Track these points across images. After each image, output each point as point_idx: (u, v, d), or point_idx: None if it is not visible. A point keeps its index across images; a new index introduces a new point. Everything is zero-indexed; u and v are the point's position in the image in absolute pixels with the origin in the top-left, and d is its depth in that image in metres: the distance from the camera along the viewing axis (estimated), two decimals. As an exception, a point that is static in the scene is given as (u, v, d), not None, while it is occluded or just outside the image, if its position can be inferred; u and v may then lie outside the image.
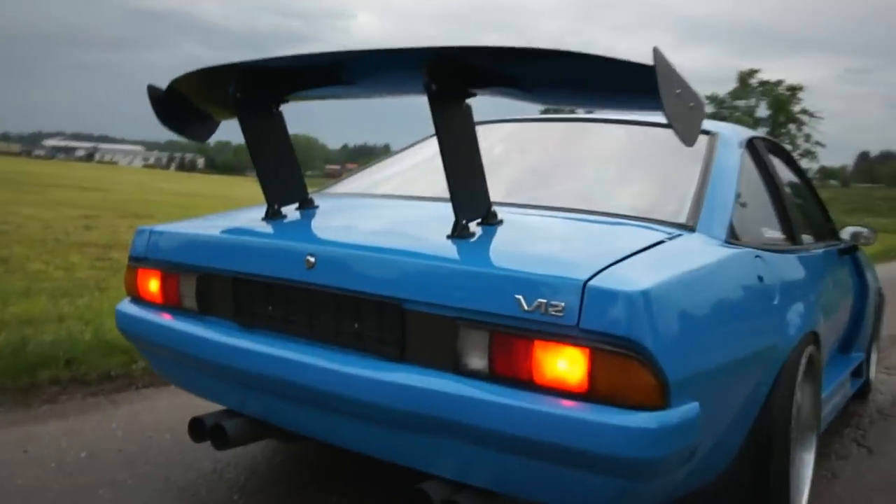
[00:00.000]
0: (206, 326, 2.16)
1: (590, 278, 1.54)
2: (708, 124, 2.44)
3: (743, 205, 2.30)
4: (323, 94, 2.30)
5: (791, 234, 2.67)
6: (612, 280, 1.56)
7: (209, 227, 2.36)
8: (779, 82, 45.54)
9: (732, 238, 2.08)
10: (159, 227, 2.37)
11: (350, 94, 2.30)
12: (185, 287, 2.24)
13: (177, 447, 2.75)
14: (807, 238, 2.96)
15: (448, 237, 1.87)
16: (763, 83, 46.04)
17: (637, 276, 1.60)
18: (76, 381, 3.62)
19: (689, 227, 2.04)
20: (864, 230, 3.46)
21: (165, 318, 2.28)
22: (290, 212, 2.34)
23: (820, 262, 2.87)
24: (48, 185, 21.13)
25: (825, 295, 2.78)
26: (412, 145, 3.15)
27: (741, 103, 46.22)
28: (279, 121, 2.28)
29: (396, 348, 1.79)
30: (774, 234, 2.59)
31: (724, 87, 48.05)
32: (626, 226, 2.06)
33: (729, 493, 2.04)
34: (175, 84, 2.20)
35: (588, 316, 1.51)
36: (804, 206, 3.40)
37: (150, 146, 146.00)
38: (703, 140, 2.37)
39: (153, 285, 2.34)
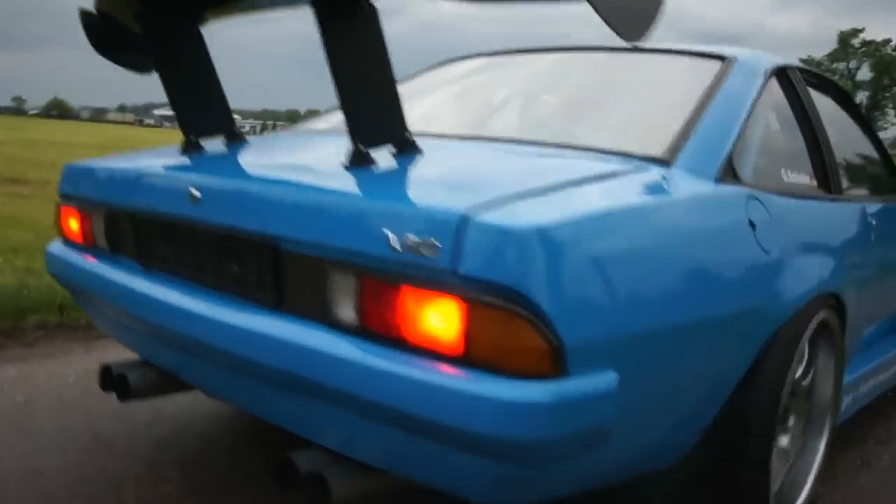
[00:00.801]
0: (114, 268, 1.94)
1: (473, 211, 1.20)
2: (727, 50, 2.05)
3: (754, 142, 1.88)
4: (229, 10, 1.97)
5: (826, 182, 2.19)
6: (501, 214, 1.20)
7: (124, 161, 2.13)
8: (885, 42, 42.31)
9: (727, 177, 1.67)
10: (80, 163, 2.15)
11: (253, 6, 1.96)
12: (97, 225, 2.02)
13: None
14: (856, 191, 2.48)
15: (344, 167, 1.55)
16: (867, 43, 42.89)
17: (537, 211, 1.24)
18: (64, 327, 3.52)
19: (662, 161, 1.63)
20: None
21: (84, 259, 2.07)
22: (215, 146, 2.07)
23: (861, 216, 2.33)
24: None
25: (865, 254, 2.27)
26: (427, 71, 2.77)
27: (840, 66, 43.26)
28: (196, 42, 1.98)
29: (273, 295, 1.49)
30: (801, 179, 2.12)
31: (824, 51, 45.01)
32: (576, 158, 1.68)
33: (690, 485, 1.67)
34: (101, 5, 1.95)
35: (467, 259, 1.17)
36: (859, 155, 2.86)
37: (244, 115, 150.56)
38: (712, 67, 1.97)
39: (73, 224, 2.13)
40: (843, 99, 2.84)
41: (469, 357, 1.19)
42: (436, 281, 1.20)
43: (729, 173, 1.68)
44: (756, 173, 1.81)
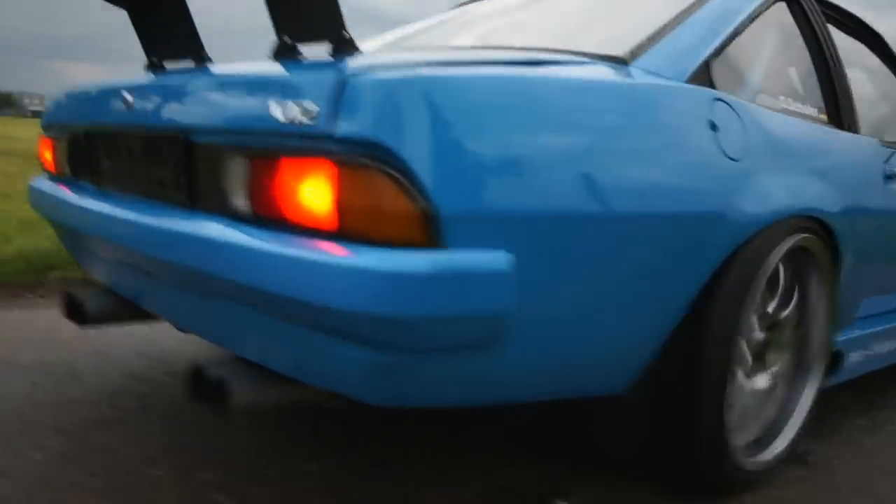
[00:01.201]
0: (74, 191, 1.94)
1: (354, 71, 1.11)
2: None
3: (743, 59, 1.73)
4: None
5: (839, 120, 2.01)
6: (381, 73, 1.10)
7: (91, 85, 2.12)
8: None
9: (699, 83, 1.52)
10: (57, 94, 2.16)
11: None
12: (61, 151, 2.03)
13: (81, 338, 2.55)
14: (879, 135, 2.22)
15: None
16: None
17: (420, 71, 1.14)
18: (86, 282, 3.59)
19: (620, 60, 1.49)
20: None
21: (56, 188, 2.08)
22: (178, 67, 2.03)
23: (875, 155, 2.07)
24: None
25: (876, 195, 2.02)
26: None
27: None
28: None
29: (187, 193, 1.44)
30: (807, 110, 1.92)
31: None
32: (515, 62, 1.55)
33: (646, 419, 1.52)
34: None
35: (341, 120, 1.07)
36: (889, 102, 2.61)
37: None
38: None
39: (47, 154, 2.15)
40: (877, 44, 2.59)
41: (344, 231, 1.10)
42: (311, 149, 1.12)
43: (703, 80, 1.53)
44: (740, 87, 1.66)
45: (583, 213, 1.22)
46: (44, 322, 2.83)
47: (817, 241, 1.71)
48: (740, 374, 1.65)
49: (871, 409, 2.40)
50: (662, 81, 1.46)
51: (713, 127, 1.43)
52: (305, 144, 1.13)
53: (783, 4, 1.94)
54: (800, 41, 2.00)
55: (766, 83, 1.81)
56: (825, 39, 2.04)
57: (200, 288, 1.40)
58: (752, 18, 1.77)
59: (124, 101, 1.61)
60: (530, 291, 1.15)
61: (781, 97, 1.84)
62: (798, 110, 1.88)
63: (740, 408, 1.66)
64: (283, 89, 1.17)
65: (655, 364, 1.45)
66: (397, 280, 1.02)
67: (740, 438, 1.66)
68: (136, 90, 1.59)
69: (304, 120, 1.11)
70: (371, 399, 1.21)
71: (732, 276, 1.46)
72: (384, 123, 1.04)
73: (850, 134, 2.03)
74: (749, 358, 1.68)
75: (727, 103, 1.51)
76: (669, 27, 1.61)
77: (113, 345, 2.55)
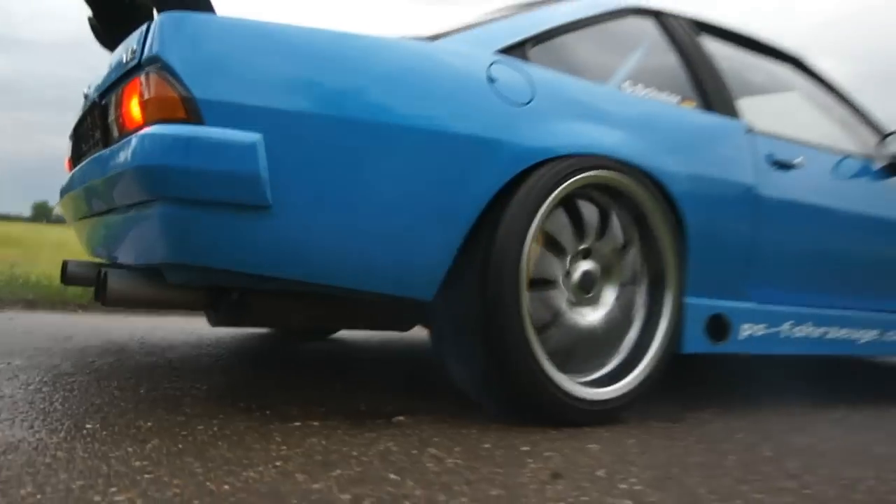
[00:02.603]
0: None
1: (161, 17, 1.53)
2: None
3: (570, 49, 2.04)
4: None
5: (708, 105, 2.23)
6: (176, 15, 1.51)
7: None
8: None
9: (510, 54, 1.86)
10: None
11: None
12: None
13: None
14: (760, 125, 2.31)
15: None
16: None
17: (207, 16, 1.53)
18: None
19: (425, 38, 1.86)
20: None
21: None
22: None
23: (723, 130, 2.20)
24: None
25: (706, 156, 2.11)
26: None
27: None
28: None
29: (103, 139, 1.88)
30: (648, 90, 2.13)
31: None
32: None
33: (461, 329, 1.70)
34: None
35: (145, 50, 1.52)
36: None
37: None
38: None
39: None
40: (756, 45, 2.66)
41: (147, 123, 1.47)
42: (130, 75, 1.57)
43: (517, 54, 1.88)
44: (561, 64, 1.97)
45: (337, 115, 1.53)
46: (52, 320, 3.31)
47: (624, 179, 1.84)
48: (564, 304, 1.80)
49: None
50: (452, 48, 1.81)
51: (490, 79, 1.74)
52: (129, 74, 1.57)
53: (644, 20, 2.28)
54: (666, 46, 2.29)
55: (601, 68, 2.08)
56: (693, 46, 2.32)
57: (108, 195, 1.73)
58: (587, 20, 2.11)
59: (84, 95, 2.09)
60: (285, 169, 1.46)
61: (627, 81, 2.10)
62: (641, 91, 2.11)
63: (570, 337, 1.79)
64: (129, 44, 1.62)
65: (452, 274, 1.64)
66: (166, 139, 1.41)
67: (575, 367, 1.79)
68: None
69: (130, 56, 1.58)
70: (172, 255, 1.50)
71: (518, 197, 1.66)
72: (161, 43, 1.46)
73: (700, 112, 2.21)
74: (566, 286, 1.82)
75: (512, 64, 1.82)
76: (490, 21, 2.00)
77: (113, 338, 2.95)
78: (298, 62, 1.56)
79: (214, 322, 2.03)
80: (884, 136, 2.66)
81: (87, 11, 2.21)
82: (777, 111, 2.54)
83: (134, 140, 1.45)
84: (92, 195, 1.82)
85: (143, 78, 1.49)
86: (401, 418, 1.71)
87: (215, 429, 1.52)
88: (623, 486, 1.30)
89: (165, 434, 1.46)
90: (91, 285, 2.39)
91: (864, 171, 2.53)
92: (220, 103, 1.43)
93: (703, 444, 1.68)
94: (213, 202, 1.43)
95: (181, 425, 1.54)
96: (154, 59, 1.45)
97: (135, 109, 1.52)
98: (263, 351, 2.91)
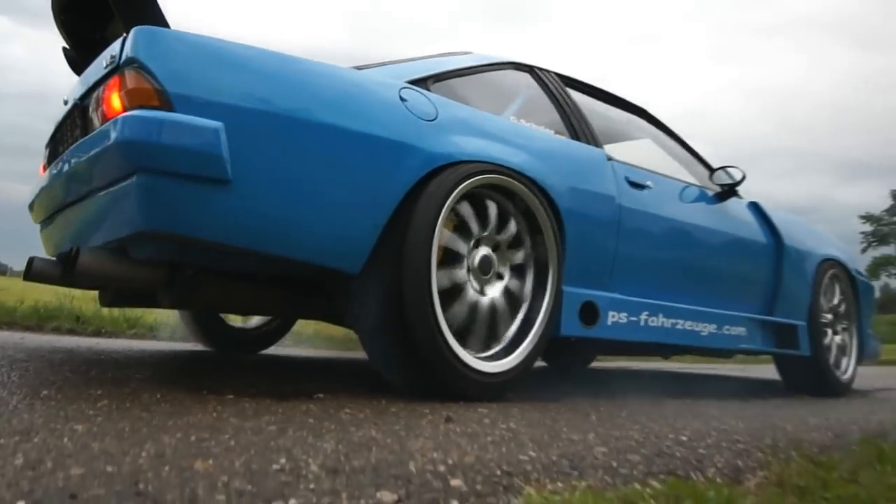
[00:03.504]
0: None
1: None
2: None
3: (449, 87, 2.46)
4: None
5: (576, 136, 2.75)
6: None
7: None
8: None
9: (417, 85, 2.29)
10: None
11: None
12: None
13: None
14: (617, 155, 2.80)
15: None
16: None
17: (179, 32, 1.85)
18: (73, 331, 4.24)
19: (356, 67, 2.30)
20: (733, 169, 3.32)
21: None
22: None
23: (581, 151, 2.69)
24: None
25: (598, 183, 2.59)
26: None
27: (896, 218, 44.28)
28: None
29: (82, 130, 2.12)
30: (529, 123, 2.62)
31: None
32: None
33: (369, 301, 1.98)
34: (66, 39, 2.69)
35: (125, 55, 1.82)
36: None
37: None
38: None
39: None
40: (607, 98, 3.25)
41: (126, 110, 1.75)
42: (110, 76, 1.87)
43: (421, 85, 2.32)
44: (452, 96, 2.38)
45: (285, 114, 1.85)
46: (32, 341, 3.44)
47: (516, 183, 2.22)
48: (471, 284, 2.13)
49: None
50: (376, 76, 2.22)
51: (402, 99, 2.15)
52: (110, 74, 1.86)
53: (522, 73, 2.81)
54: (540, 94, 2.82)
55: (486, 102, 2.52)
56: (561, 95, 2.87)
57: (88, 175, 1.94)
58: (476, 69, 2.62)
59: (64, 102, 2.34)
60: (243, 152, 1.76)
61: (511, 114, 2.59)
62: (521, 122, 2.60)
63: (471, 313, 2.10)
64: (108, 53, 1.91)
65: (374, 253, 1.94)
66: (143, 121, 1.71)
67: (477, 343, 2.11)
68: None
69: (110, 61, 1.88)
70: (146, 222, 1.72)
71: (427, 192, 2.01)
72: (138, 50, 1.78)
73: (571, 140, 2.71)
74: (469, 266, 2.14)
75: (418, 91, 2.24)
76: (400, 62, 2.49)
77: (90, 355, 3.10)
78: (253, 73, 1.88)
79: (168, 302, 2.24)
80: (712, 170, 3.33)
81: (62, 43, 2.49)
82: (629, 150, 3.10)
83: (117, 121, 1.72)
84: (70, 181, 2.04)
85: (122, 75, 1.78)
86: (321, 395, 1.95)
87: (158, 397, 1.74)
88: (503, 426, 1.61)
89: (114, 399, 1.66)
90: (54, 283, 2.58)
91: (701, 197, 3.16)
92: (188, 97, 1.74)
93: (572, 411, 2.04)
94: (183, 175, 1.71)
95: (128, 395, 1.74)
96: (132, 61, 1.76)
97: (115, 101, 1.79)
98: (202, 357, 3.10)
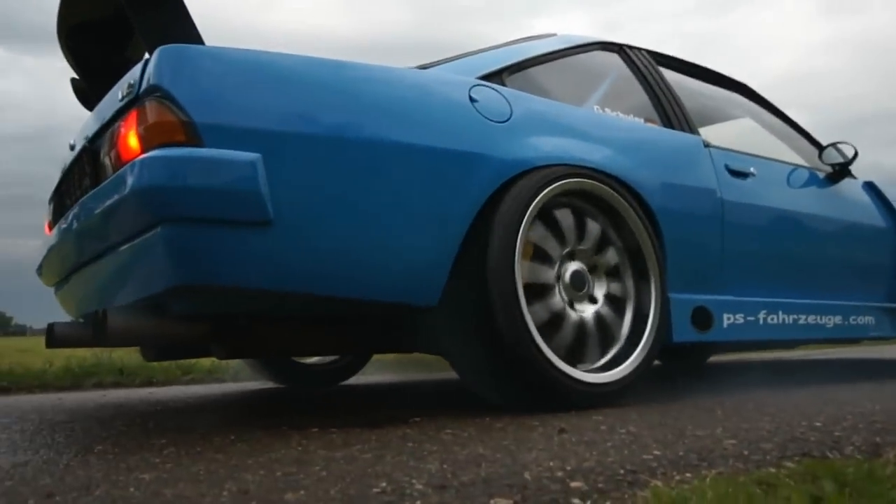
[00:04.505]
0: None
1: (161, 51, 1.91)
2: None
3: (539, 75, 2.67)
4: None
5: (669, 123, 2.95)
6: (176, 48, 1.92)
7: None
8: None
9: (489, 80, 2.44)
10: None
11: None
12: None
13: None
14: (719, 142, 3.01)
15: None
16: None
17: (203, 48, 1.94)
18: (118, 384, 4.52)
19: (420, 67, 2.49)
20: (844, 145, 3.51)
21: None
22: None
23: (681, 142, 2.89)
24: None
25: (670, 163, 2.77)
26: None
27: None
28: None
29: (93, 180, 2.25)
30: (614, 112, 2.80)
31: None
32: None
33: (460, 331, 2.11)
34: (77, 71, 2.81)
35: (144, 83, 1.90)
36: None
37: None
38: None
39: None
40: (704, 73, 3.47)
41: (146, 150, 1.81)
42: (127, 109, 1.94)
43: (495, 80, 2.47)
44: (531, 87, 2.58)
45: (333, 136, 1.95)
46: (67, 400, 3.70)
47: (599, 186, 2.36)
48: (563, 300, 2.26)
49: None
50: (437, 73, 2.39)
51: (472, 99, 2.27)
52: (126, 109, 1.94)
53: (610, 53, 3.02)
54: (629, 77, 3.02)
55: (569, 91, 2.73)
56: (653, 76, 3.06)
57: (104, 231, 2.07)
58: (556, 53, 2.79)
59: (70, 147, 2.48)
60: (284, 186, 1.83)
61: (597, 105, 2.75)
62: (607, 111, 2.76)
63: (572, 329, 2.23)
64: (125, 82, 2.01)
65: (451, 283, 2.05)
66: (165, 162, 1.77)
67: (581, 357, 2.24)
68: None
69: (127, 91, 1.96)
70: (180, 277, 1.82)
71: (503, 208, 2.12)
72: (161, 75, 1.84)
73: (663, 129, 2.91)
74: (559, 284, 2.28)
75: (491, 87, 2.39)
76: (473, 54, 2.69)
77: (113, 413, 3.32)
78: (294, 88, 1.98)
79: (223, 354, 2.37)
80: (821, 148, 3.52)
81: (70, 74, 2.63)
82: (730, 133, 3.35)
83: (133, 165, 1.77)
84: (83, 240, 2.17)
85: (142, 108, 1.83)
86: (416, 419, 2.07)
87: (232, 437, 1.88)
88: (622, 431, 1.72)
89: (181, 445, 1.80)
90: (82, 346, 2.76)
91: (812, 180, 3.41)
92: (219, 127, 1.81)
93: (694, 408, 2.16)
94: (217, 220, 1.78)
95: (196, 440, 1.89)
96: (154, 89, 1.82)
97: (132, 140, 1.85)
98: (273, 394, 3.29)
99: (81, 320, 2.66)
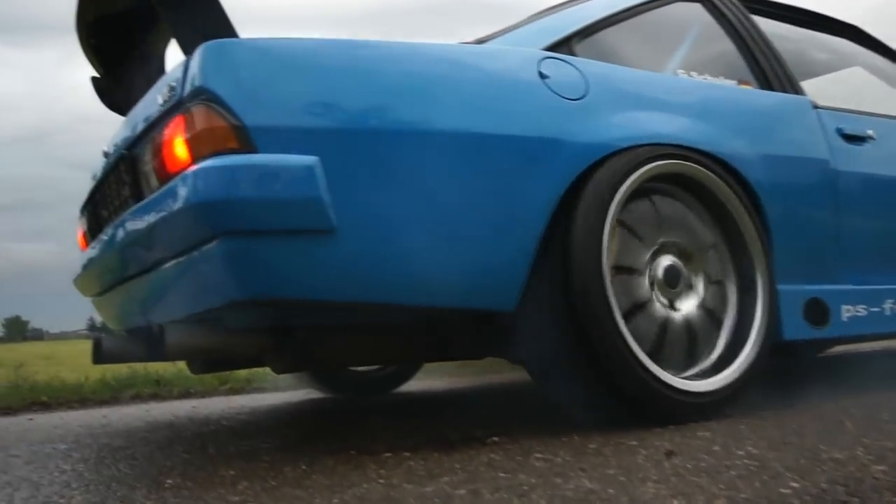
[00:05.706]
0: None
1: (201, 49, 1.80)
2: None
3: (618, 36, 2.45)
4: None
5: (767, 84, 2.66)
6: (219, 44, 1.80)
7: None
8: None
9: (557, 49, 2.23)
10: None
11: None
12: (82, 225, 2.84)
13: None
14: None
15: None
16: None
17: (246, 41, 1.83)
18: (156, 396, 4.48)
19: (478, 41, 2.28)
20: None
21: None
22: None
23: (789, 107, 2.62)
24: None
25: (804, 145, 2.54)
26: None
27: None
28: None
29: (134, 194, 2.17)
30: (721, 79, 2.56)
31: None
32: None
33: (535, 336, 1.97)
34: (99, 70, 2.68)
35: (186, 85, 1.80)
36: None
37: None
38: None
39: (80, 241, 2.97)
40: (810, 19, 3.16)
41: (196, 160, 1.72)
42: (169, 115, 1.83)
43: (563, 49, 2.25)
44: (605, 54, 2.34)
45: (392, 129, 1.83)
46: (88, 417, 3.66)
47: (692, 166, 2.16)
48: (656, 299, 2.08)
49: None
50: (500, 47, 2.22)
51: (542, 76, 2.08)
52: (168, 115, 1.84)
53: (692, 3, 2.69)
54: (717, 31, 2.70)
55: (647, 56, 2.48)
56: (745, 28, 2.73)
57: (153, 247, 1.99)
58: (633, 10, 2.51)
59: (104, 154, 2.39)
60: (346, 189, 1.73)
61: (681, 68, 2.50)
62: (696, 77, 2.51)
63: (668, 333, 2.07)
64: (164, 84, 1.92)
65: (531, 283, 1.91)
66: (219, 173, 1.67)
67: (677, 362, 2.07)
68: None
69: (168, 95, 1.86)
70: (241, 291, 1.73)
71: (586, 195, 1.96)
72: (207, 76, 1.73)
73: (760, 91, 2.62)
74: (651, 280, 2.11)
75: (562, 59, 2.17)
76: (535, 19, 2.50)
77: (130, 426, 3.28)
78: (346, 78, 1.86)
79: (281, 368, 2.30)
80: None
81: (91, 72, 2.55)
82: (836, 87, 2.92)
83: (186, 178, 1.68)
84: (129, 255, 2.09)
85: (188, 113, 1.73)
86: (495, 439, 1.96)
87: (304, 467, 1.79)
88: (740, 452, 1.56)
89: (253, 478, 1.72)
90: (127, 361, 2.71)
91: None
92: (273, 129, 1.71)
93: (817, 419, 1.96)
94: (277, 230, 1.70)
95: (266, 470, 1.80)
96: (200, 91, 1.72)
97: (179, 148, 1.75)
98: (325, 407, 3.20)
99: (125, 333, 2.62)
